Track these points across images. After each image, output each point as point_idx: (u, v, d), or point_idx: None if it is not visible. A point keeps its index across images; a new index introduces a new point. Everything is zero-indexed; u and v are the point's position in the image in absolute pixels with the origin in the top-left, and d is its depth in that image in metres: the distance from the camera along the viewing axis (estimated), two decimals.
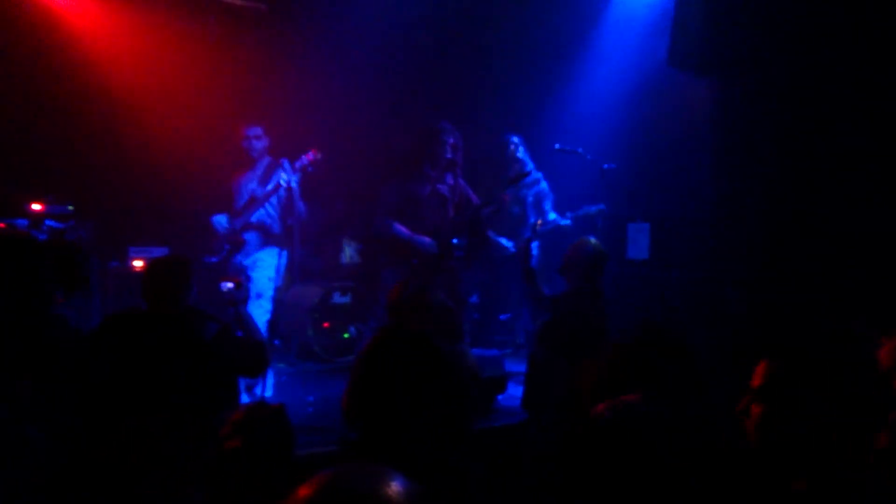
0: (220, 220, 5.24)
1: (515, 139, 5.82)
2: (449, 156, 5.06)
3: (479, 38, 7.14)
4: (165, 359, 2.85)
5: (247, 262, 5.19)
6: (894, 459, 2.14)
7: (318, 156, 5.20)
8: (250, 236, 5.22)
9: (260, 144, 5.30)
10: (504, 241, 5.67)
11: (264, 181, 5.24)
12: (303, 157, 5.19)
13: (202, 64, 6.40)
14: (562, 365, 3.76)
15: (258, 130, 5.31)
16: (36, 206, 5.53)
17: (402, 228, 4.99)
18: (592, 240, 4.39)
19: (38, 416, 2.46)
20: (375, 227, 5.14)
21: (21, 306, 1.86)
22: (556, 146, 5.65)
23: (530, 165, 5.80)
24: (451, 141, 5.08)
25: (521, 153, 5.79)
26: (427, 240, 4.99)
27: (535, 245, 5.77)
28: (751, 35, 5.19)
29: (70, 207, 5.71)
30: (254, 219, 5.23)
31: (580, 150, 5.60)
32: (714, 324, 5.26)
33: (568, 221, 5.59)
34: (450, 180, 5.13)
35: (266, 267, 5.21)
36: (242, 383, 3.73)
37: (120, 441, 2.41)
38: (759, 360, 2.13)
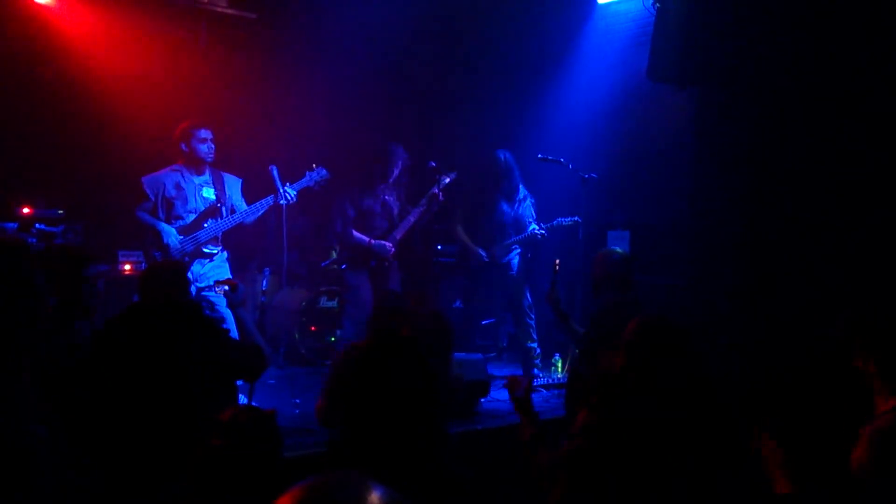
0: (171, 232, 4.88)
1: (508, 158, 5.89)
2: (397, 173, 5.71)
3: (461, 51, 7.25)
4: (176, 358, 2.83)
5: (203, 270, 4.91)
6: (870, 473, 2.14)
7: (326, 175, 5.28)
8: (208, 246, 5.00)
9: (214, 148, 4.99)
10: (480, 250, 5.83)
11: (221, 190, 5.03)
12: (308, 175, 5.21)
13: (191, 71, 6.46)
14: None
15: (211, 133, 4.98)
16: (26, 210, 5.57)
17: (361, 236, 5.65)
18: (617, 249, 4.35)
19: (43, 416, 2.49)
20: (336, 236, 5.84)
21: (21, 310, 1.91)
22: (539, 156, 5.78)
23: (521, 184, 5.93)
24: (401, 160, 5.72)
25: (515, 176, 5.87)
26: (384, 244, 5.64)
27: (515, 254, 5.90)
28: (728, 49, 5.31)
29: (60, 211, 5.75)
30: (216, 231, 4.97)
31: (562, 159, 5.72)
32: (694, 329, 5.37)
33: (544, 232, 5.74)
34: (396, 194, 5.77)
35: (226, 271, 5.00)
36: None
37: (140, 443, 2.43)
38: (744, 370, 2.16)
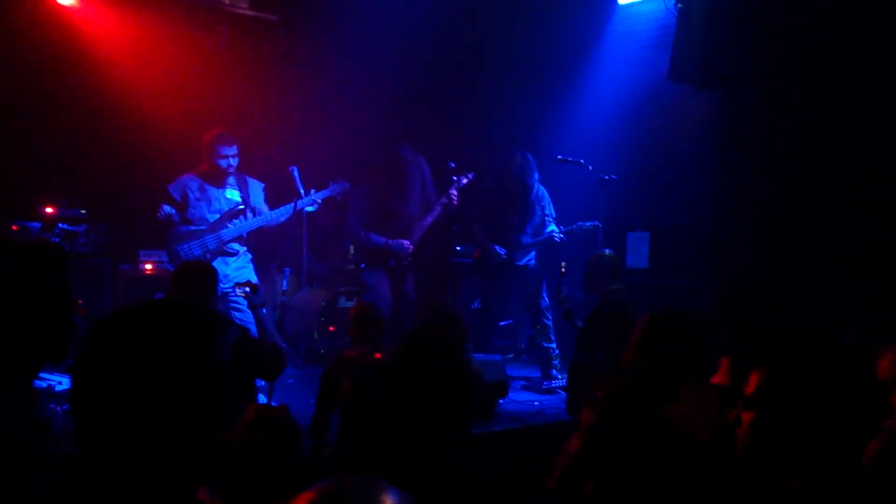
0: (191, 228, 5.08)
1: (526, 158, 5.84)
2: (414, 174, 5.66)
3: (483, 51, 7.24)
4: (193, 355, 2.84)
5: (228, 271, 5.06)
6: (886, 465, 2.13)
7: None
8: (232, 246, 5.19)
9: (237, 162, 5.13)
10: (498, 248, 5.77)
11: (245, 193, 5.21)
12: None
13: (212, 73, 6.50)
14: (602, 364, 4.09)
15: (236, 149, 5.10)
16: (49, 210, 5.63)
17: (378, 238, 5.61)
18: (607, 251, 4.77)
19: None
20: (353, 238, 5.83)
21: (54, 313, 1.92)
22: (559, 157, 5.75)
23: (537, 185, 5.87)
24: (413, 162, 5.66)
25: (531, 176, 5.81)
26: (403, 243, 5.60)
27: (531, 255, 5.87)
28: (751, 51, 5.27)
29: (82, 211, 5.81)
30: (239, 231, 5.16)
31: (582, 160, 5.69)
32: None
33: (563, 236, 5.72)
34: (413, 195, 5.68)
35: (251, 272, 5.17)
36: None
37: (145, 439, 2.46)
38: (751, 369, 2.13)
